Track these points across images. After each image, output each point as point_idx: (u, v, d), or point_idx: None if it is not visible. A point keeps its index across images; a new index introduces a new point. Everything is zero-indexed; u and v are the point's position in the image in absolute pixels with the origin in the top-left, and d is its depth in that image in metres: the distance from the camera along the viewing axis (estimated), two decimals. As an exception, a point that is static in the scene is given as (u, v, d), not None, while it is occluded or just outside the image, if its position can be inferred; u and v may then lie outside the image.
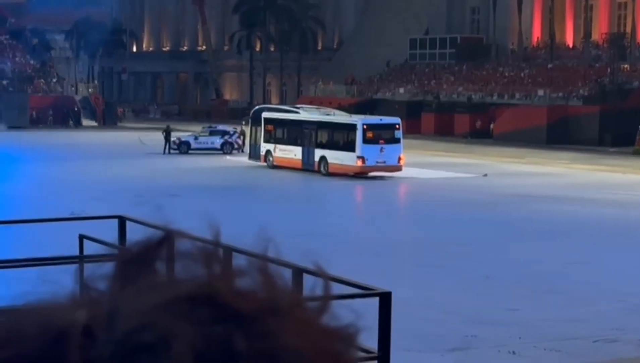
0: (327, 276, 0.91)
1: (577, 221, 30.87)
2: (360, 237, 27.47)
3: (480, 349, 16.05)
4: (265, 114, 50.51)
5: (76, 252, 11.09)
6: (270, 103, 79.43)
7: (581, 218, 31.65)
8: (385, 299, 7.85)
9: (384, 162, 44.34)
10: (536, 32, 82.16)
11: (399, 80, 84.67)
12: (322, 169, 45.87)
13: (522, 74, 76.89)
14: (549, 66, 76.26)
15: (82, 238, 10.91)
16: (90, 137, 69.94)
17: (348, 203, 37.89)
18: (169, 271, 0.86)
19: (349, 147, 44.74)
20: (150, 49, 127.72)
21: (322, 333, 0.87)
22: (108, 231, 11.94)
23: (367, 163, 44.14)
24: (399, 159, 44.68)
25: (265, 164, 49.06)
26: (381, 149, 44.30)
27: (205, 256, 0.86)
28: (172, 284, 0.85)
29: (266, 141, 49.36)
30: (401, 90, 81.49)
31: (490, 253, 24.92)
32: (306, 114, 49.47)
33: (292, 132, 48.19)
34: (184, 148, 57.73)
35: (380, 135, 44.98)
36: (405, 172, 45.37)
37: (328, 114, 49.48)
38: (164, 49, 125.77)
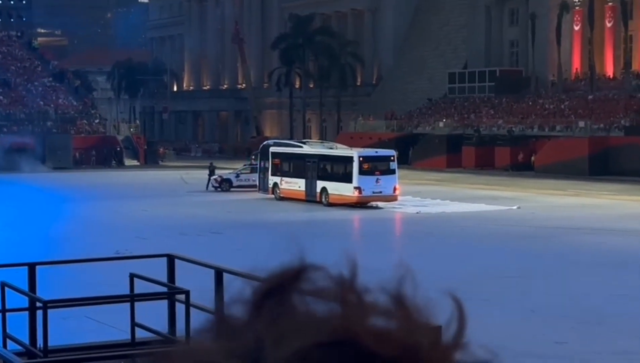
0: (462, 311, 0.89)
1: (623, 253, 30.54)
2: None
3: (529, 383, 15.85)
4: (272, 149, 52.48)
5: (125, 291, 11.12)
6: (311, 139, 79.65)
7: (627, 249, 31.31)
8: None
9: (381, 192, 46.31)
10: (575, 64, 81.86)
11: (439, 114, 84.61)
12: (323, 199, 47.81)
13: (562, 106, 76.55)
14: (590, 97, 75.89)
15: (132, 276, 10.95)
16: (132, 176, 70.38)
17: (386, 238, 37.82)
18: (305, 306, 0.85)
19: (347, 178, 46.75)
20: (191, 88, 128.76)
21: None
22: (156, 270, 11.98)
23: (364, 193, 46.13)
24: (395, 189, 46.62)
25: (273, 196, 50.92)
26: (377, 180, 46.23)
27: (342, 290, 0.85)
28: (312, 326, 0.83)
29: (273, 174, 51.41)
30: (441, 124, 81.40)
31: (535, 286, 24.70)
32: (309, 148, 51.70)
33: (297, 166, 50.18)
34: (225, 185, 57.92)
35: (376, 166, 46.90)
36: (446, 206, 45.63)
37: (331, 148, 51.45)
38: (205, 87, 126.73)
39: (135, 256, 12.89)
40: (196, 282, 11.57)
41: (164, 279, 11.44)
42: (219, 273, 10.47)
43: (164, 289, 11.03)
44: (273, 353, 0.81)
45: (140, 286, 11.10)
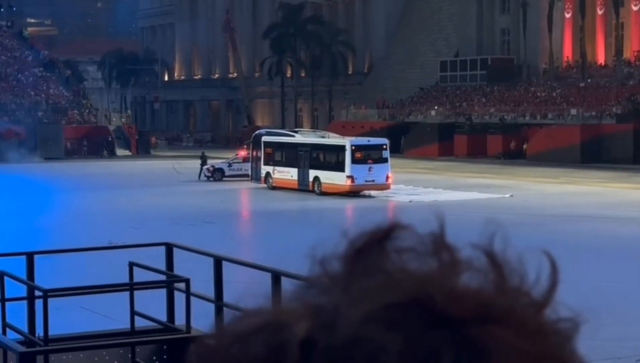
0: (555, 267, 0.88)
1: (614, 239, 30.72)
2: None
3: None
4: (264, 138, 52.66)
5: (121, 281, 11.22)
6: (302, 128, 79.68)
7: (618, 236, 31.49)
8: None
9: (373, 181, 46.62)
10: (567, 52, 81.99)
11: (431, 102, 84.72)
12: (315, 188, 48.04)
13: (554, 94, 76.71)
14: (581, 84, 76.05)
15: (131, 265, 11.05)
16: (124, 166, 70.39)
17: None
18: (391, 265, 0.85)
19: (340, 167, 47.04)
20: (182, 77, 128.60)
21: (538, 334, 0.84)
22: (151, 259, 12.08)
23: (357, 182, 46.41)
24: (387, 177, 46.97)
25: (265, 185, 51.12)
26: (369, 169, 46.55)
27: (433, 247, 0.86)
28: (389, 286, 0.83)
29: (266, 163, 51.64)
30: (433, 112, 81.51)
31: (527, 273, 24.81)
32: (301, 137, 51.89)
33: (289, 155, 50.40)
34: (217, 175, 57.99)
35: (368, 155, 47.23)
36: (438, 195, 45.84)
37: (323, 137, 51.63)
38: (196, 77, 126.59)
39: (132, 245, 12.99)
40: (194, 271, 11.68)
41: (161, 268, 11.53)
42: (218, 262, 10.58)
43: (163, 278, 11.13)
44: (346, 315, 0.81)
45: (138, 276, 11.20)
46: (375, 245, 0.86)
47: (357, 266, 0.85)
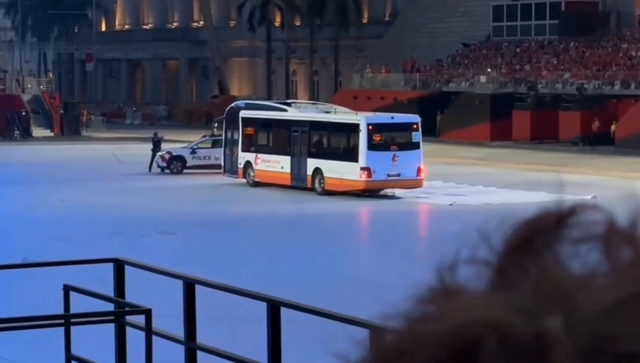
0: None
1: None
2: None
3: None
4: (243, 113, 52.66)
5: (55, 309, 11.24)
6: (297, 99, 79.60)
7: None
8: None
9: (398, 175, 46.37)
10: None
11: (480, 64, 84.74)
12: (316, 185, 48.03)
13: (655, 53, 76.83)
14: (694, 40, 76.12)
15: (67, 289, 11.04)
16: (44, 152, 70.38)
17: (408, 241, 38.03)
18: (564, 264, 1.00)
19: (351, 155, 46.93)
20: (126, 27, 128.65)
21: None
22: (86, 281, 12.09)
23: (375, 177, 46.22)
24: (419, 170, 46.67)
25: (244, 180, 51.46)
26: (394, 158, 46.35)
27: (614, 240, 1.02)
28: (623, 277, 0.98)
29: (245, 149, 51.77)
30: (483, 78, 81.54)
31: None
32: (295, 112, 51.69)
33: (278, 137, 50.69)
34: (176, 165, 57.98)
35: (392, 138, 47.14)
36: (489, 195, 45.90)
37: (327, 112, 51.61)
38: (145, 27, 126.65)
39: (64, 262, 12.99)
40: (153, 299, 11.68)
41: (107, 294, 11.56)
42: (189, 286, 10.59)
43: (111, 307, 11.14)
44: (587, 308, 0.96)
45: (76, 304, 11.22)
46: (540, 238, 1.02)
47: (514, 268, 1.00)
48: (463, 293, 0.99)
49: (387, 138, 47.20)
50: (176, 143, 64.78)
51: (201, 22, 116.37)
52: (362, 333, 7.86)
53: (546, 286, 0.98)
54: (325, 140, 49.32)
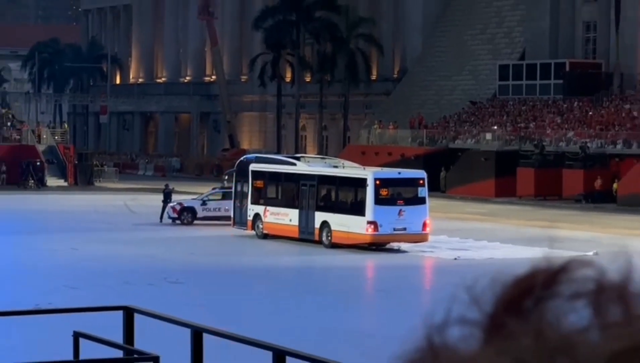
0: None
1: None
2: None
3: None
4: (253, 167, 52.86)
5: (65, 355, 11.26)
6: (306, 153, 79.52)
7: None
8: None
9: (404, 229, 46.38)
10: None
11: (486, 122, 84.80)
12: (324, 238, 47.94)
13: (657, 114, 76.88)
14: (695, 101, 76.20)
15: (77, 335, 11.04)
16: (58, 202, 70.50)
17: (413, 295, 38.03)
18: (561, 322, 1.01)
19: (358, 209, 46.92)
20: (140, 80, 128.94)
21: None
22: (98, 328, 12.09)
23: (381, 230, 46.19)
24: (424, 225, 46.71)
25: (253, 232, 51.38)
26: (400, 212, 46.35)
27: (621, 293, 1.04)
28: (629, 328, 1.00)
29: (254, 202, 51.75)
30: (488, 136, 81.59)
31: None
32: (304, 166, 51.90)
33: (287, 190, 50.81)
34: (187, 216, 58.02)
35: (399, 193, 47.26)
36: (493, 250, 45.99)
37: (335, 166, 51.70)
38: (159, 80, 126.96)
39: (74, 309, 13.00)
40: (161, 346, 11.69)
41: (117, 341, 11.59)
42: (197, 335, 10.61)
43: (120, 354, 11.16)
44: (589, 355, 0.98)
45: (85, 351, 11.24)
46: (533, 295, 1.03)
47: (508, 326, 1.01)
48: (452, 354, 0.98)
49: (394, 193, 47.31)
50: (187, 194, 64.91)
51: (213, 77, 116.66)
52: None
53: (534, 346, 0.98)
54: (333, 194, 49.32)
